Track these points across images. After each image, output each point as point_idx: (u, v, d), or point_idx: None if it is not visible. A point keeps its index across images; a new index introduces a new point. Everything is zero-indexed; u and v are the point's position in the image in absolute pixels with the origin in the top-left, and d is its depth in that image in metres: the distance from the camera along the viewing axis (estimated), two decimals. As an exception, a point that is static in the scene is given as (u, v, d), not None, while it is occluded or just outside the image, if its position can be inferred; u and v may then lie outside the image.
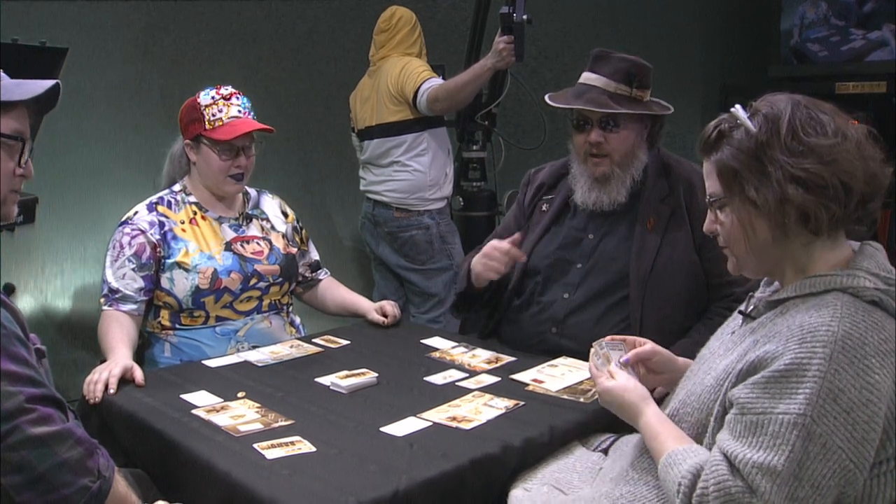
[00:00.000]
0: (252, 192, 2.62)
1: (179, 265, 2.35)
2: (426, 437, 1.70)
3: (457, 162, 4.01)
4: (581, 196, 2.33)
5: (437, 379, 2.06)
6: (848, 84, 5.25)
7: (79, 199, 3.65)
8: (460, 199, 3.97)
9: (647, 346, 1.67)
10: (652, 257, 2.24)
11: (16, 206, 1.53)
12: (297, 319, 2.62)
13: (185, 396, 1.94)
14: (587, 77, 2.31)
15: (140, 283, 2.32)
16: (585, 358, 1.70)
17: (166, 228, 2.39)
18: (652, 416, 1.47)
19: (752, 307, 1.49)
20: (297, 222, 2.69)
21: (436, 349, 2.31)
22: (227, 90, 2.42)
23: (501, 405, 1.86)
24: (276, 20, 4.23)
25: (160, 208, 2.43)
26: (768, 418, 1.24)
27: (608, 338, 1.69)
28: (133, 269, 2.32)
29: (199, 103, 2.40)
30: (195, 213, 2.45)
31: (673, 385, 1.65)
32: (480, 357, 2.22)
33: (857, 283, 1.31)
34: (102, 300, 2.33)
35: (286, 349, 2.33)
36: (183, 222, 2.42)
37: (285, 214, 2.66)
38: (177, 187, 2.50)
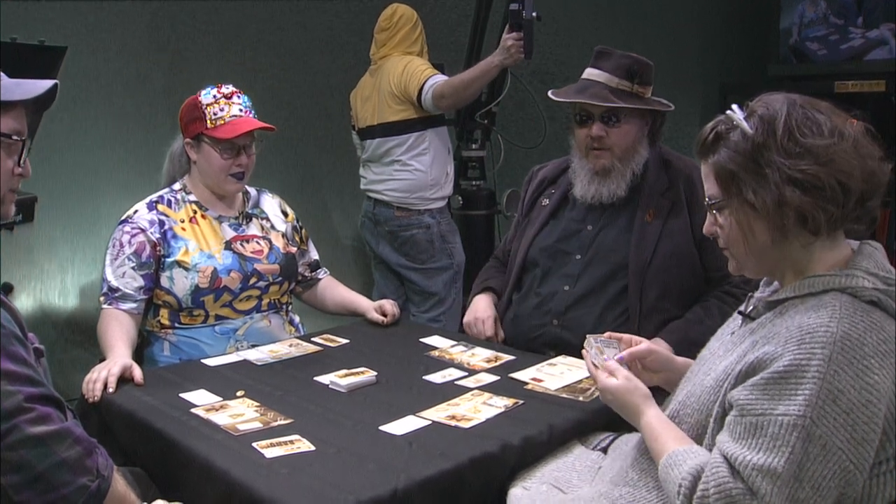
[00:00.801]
0: (252, 191, 2.62)
1: (179, 264, 2.35)
2: (425, 436, 1.70)
3: (456, 161, 4.01)
4: (580, 189, 2.36)
5: (437, 378, 2.06)
6: (847, 83, 5.25)
7: (78, 198, 3.65)
8: (459, 198, 3.97)
9: (643, 345, 1.67)
10: (651, 248, 2.27)
11: (13, 205, 1.53)
12: (297, 318, 2.62)
13: (184, 395, 1.94)
14: (590, 73, 2.35)
15: (140, 282, 2.32)
16: None
17: (166, 227, 2.39)
18: (653, 417, 1.47)
19: (751, 307, 1.49)
20: (297, 221, 2.69)
21: (435, 348, 2.31)
22: (227, 89, 2.42)
23: (500, 404, 1.86)
24: (277, 19, 4.23)
25: (160, 207, 2.43)
26: (768, 420, 1.24)
27: (606, 335, 1.69)
28: (133, 268, 2.32)
29: (200, 102, 2.40)
30: (195, 212, 2.45)
31: (670, 384, 1.65)
32: (479, 356, 2.22)
33: (856, 284, 1.31)
34: (102, 299, 2.33)
35: (285, 348, 2.33)
36: (183, 221, 2.42)
37: (285, 214, 2.66)
38: (177, 186, 2.50)
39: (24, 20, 3.34)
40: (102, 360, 2.14)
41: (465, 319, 2.52)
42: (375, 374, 2.06)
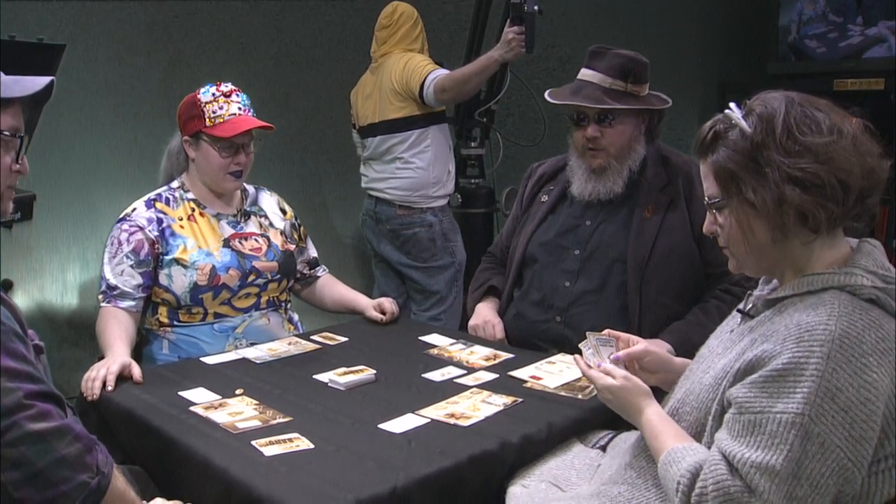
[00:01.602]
0: (250, 188, 2.62)
1: (177, 262, 2.35)
2: (424, 434, 1.70)
3: (455, 159, 4.01)
4: (578, 187, 2.37)
5: (436, 376, 2.06)
6: (846, 81, 5.25)
7: (77, 196, 3.65)
8: (458, 196, 3.96)
9: (640, 345, 1.67)
10: (650, 243, 2.27)
11: (11, 203, 1.53)
12: (296, 316, 2.62)
13: (183, 393, 1.94)
14: (584, 73, 2.35)
15: (138, 280, 2.32)
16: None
17: (164, 225, 2.38)
18: (653, 415, 1.47)
19: (750, 305, 1.49)
20: (296, 219, 2.69)
21: (434, 346, 2.31)
22: (226, 87, 2.42)
23: (499, 402, 1.86)
24: (276, 18, 4.22)
25: (158, 205, 2.43)
26: (766, 418, 1.24)
27: (605, 332, 1.69)
28: (131, 266, 2.32)
29: (199, 100, 2.39)
30: (193, 210, 2.45)
31: (667, 385, 1.65)
32: (478, 354, 2.22)
33: (855, 282, 1.31)
34: (100, 297, 2.33)
35: (284, 346, 2.33)
36: (181, 219, 2.42)
37: (283, 211, 2.66)
38: (175, 184, 2.50)
39: (23, 19, 3.34)
40: (101, 358, 2.14)
41: (472, 323, 2.49)
42: (374, 372, 2.06)
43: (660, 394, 1.61)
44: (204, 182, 2.47)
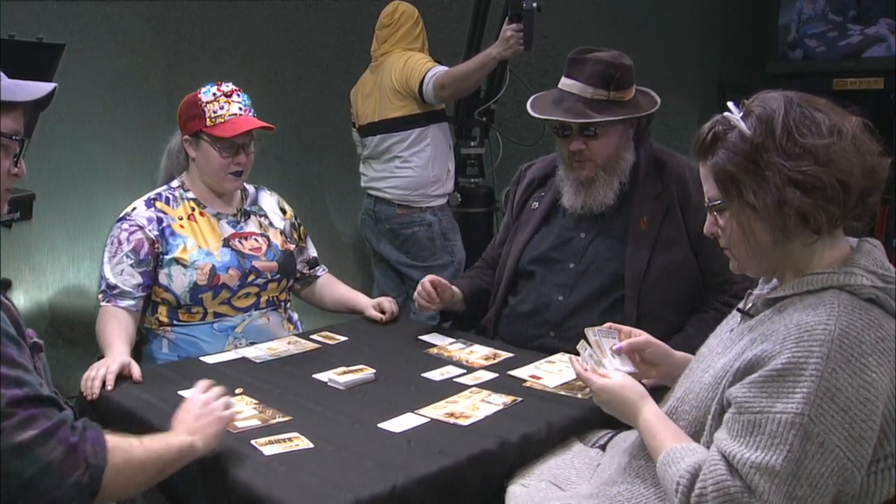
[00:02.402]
0: (250, 188, 2.62)
1: (177, 261, 2.35)
2: (424, 434, 1.70)
3: (454, 158, 4.01)
4: (568, 200, 2.32)
5: (435, 375, 2.06)
6: (845, 80, 5.24)
7: (76, 196, 3.64)
8: (458, 195, 3.96)
9: (642, 336, 1.67)
10: (647, 257, 2.22)
11: (6, 204, 1.52)
12: (295, 316, 2.62)
13: (182, 393, 1.94)
14: (564, 83, 2.28)
15: (138, 279, 2.32)
16: None
17: (164, 224, 2.38)
18: (651, 414, 1.47)
19: (750, 305, 1.49)
20: (296, 219, 2.69)
21: (433, 345, 2.31)
22: (227, 87, 2.42)
23: (499, 401, 1.86)
24: (276, 17, 4.22)
25: (158, 204, 2.43)
26: (766, 417, 1.24)
27: (606, 325, 1.69)
28: (131, 265, 2.32)
29: (199, 100, 2.39)
30: (193, 210, 2.45)
31: (669, 379, 1.65)
32: (478, 353, 2.22)
33: (854, 281, 1.31)
34: (100, 296, 2.33)
35: (284, 346, 2.33)
36: (181, 218, 2.42)
37: (283, 211, 2.66)
38: (175, 183, 2.50)
39: (22, 18, 3.34)
40: (101, 357, 2.14)
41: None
42: (374, 371, 2.06)
43: (659, 394, 1.61)
44: (204, 182, 2.47)
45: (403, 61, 3.56)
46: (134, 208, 2.41)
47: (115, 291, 2.31)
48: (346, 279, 2.81)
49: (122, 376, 2.02)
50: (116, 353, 2.11)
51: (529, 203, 2.49)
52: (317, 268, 2.75)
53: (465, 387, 1.97)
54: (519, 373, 2.05)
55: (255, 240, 2.50)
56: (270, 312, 2.49)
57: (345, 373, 2.05)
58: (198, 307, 2.37)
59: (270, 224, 2.58)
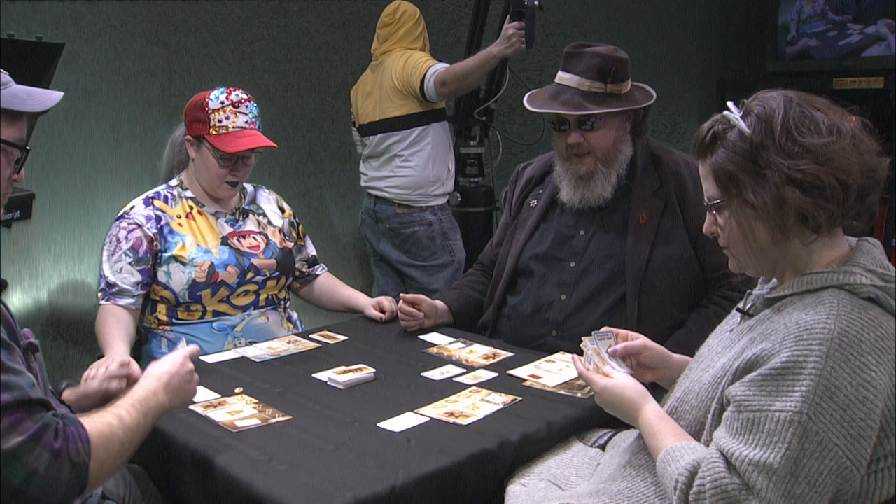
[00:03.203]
0: (249, 187, 2.62)
1: (176, 259, 2.35)
2: (423, 433, 1.70)
3: (454, 157, 4.01)
4: (567, 194, 2.33)
5: (435, 374, 2.06)
6: (845, 80, 5.24)
7: (75, 195, 3.64)
8: (458, 194, 3.97)
9: (638, 340, 1.67)
10: (647, 253, 2.22)
11: (2, 208, 1.52)
12: (295, 315, 2.62)
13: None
14: (561, 77, 2.29)
15: (137, 277, 2.33)
16: None
17: (163, 222, 2.39)
18: (651, 413, 1.47)
19: (749, 304, 1.49)
20: (294, 217, 2.69)
21: (433, 345, 2.31)
22: (237, 96, 2.39)
23: (499, 400, 1.86)
24: (276, 17, 4.22)
25: (157, 203, 2.43)
26: (765, 416, 1.25)
27: (604, 329, 1.69)
28: (130, 263, 2.32)
29: (207, 105, 2.37)
30: (192, 208, 2.45)
31: (667, 381, 1.65)
32: (478, 353, 2.22)
33: (854, 280, 1.31)
34: (100, 294, 2.33)
35: (283, 345, 2.33)
36: (179, 217, 2.43)
37: (282, 210, 2.66)
38: (174, 182, 2.51)
39: (22, 18, 3.34)
40: (100, 357, 2.14)
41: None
42: (373, 370, 2.06)
43: (659, 393, 1.61)
44: (201, 184, 2.47)
45: (404, 60, 3.56)
46: (132, 207, 2.41)
47: (114, 290, 2.31)
48: (345, 278, 2.81)
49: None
50: (116, 353, 2.11)
51: (528, 201, 2.49)
52: (316, 267, 2.75)
53: (465, 386, 1.97)
54: (519, 372, 2.05)
55: (254, 238, 2.50)
56: (270, 311, 2.49)
57: (344, 372, 2.05)
58: (197, 305, 2.37)
59: (269, 222, 2.58)
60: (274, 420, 1.77)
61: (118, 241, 2.35)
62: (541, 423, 1.74)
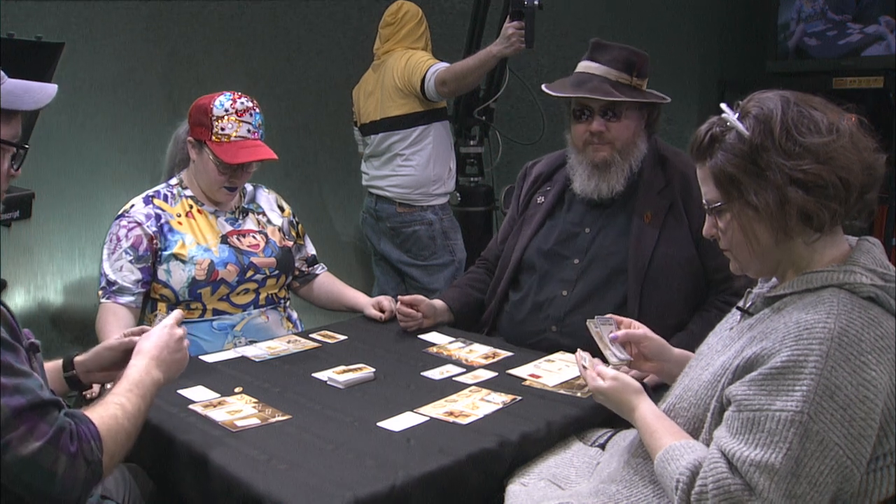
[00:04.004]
0: (248, 186, 2.62)
1: (176, 256, 2.36)
2: (423, 432, 1.70)
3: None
4: (580, 184, 2.33)
5: (434, 374, 2.06)
6: (845, 79, 5.23)
7: (75, 195, 3.64)
8: (457, 194, 3.97)
9: (640, 329, 1.68)
10: (650, 251, 2.23)
11: (1, 205, 1.52)
12: (295, 314, 2.62)
13: (182, 391, 1.94)
14: (586, 66, 2.30)
15: (137, 275, 2.33)
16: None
17: (162, 221, 2.39)
18: (646, 411, 1.47)
19: (749, 303, 1.49)
20: (294, 216, 2.69)
21: (433, 344, 2.31)
22: (243, 104, 2.39)
23: (498, 400, 1.86)
24: (276, 17, 4.22)
25: (156, 201, 2.43)
26: (765, 415, 1.25)
27: (608, 315, 1.70)
28: (130, 261, 2.33)
29: (211, 111, 2.36)
30: (191, 207, 2.46)
31: (666, 375, 1.66)
32: (477, 352, 2.22)
33: (854, 280, 1.31)
34: (100, 293, 2.34)
35: (283, 344, 2.33)
36: (179, 215, 2.43)
37: (281, 209, 2.66)
38: (173, 181, 2.51)
39: (22, 17, 3.34)
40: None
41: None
42: (373, 370, 2.06)
43: (659, 393, 1.61)
44: (200, 185, 2.48)
45: (405, 59, 3.57)
46: (132, 205, 2.42)
47: (114, 288, 2.31)
48: (345, 278, 2.81)
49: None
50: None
51: (536, 198, 2.50)
52: (315, 266, 2.75)
53: (465, 385, 1.97)
54: (518, 372, 2.05)
55: (253, 237, 2.50)
56: (270, 311, 2.49)
57: (344, 371, 2.05)
58: (197, 303, 2.37)
59: (268, 221, 2.58)
60: (273, 419, 1.77)
61: (118, 240, 2.35)
62: (540, 423, 1.74)
